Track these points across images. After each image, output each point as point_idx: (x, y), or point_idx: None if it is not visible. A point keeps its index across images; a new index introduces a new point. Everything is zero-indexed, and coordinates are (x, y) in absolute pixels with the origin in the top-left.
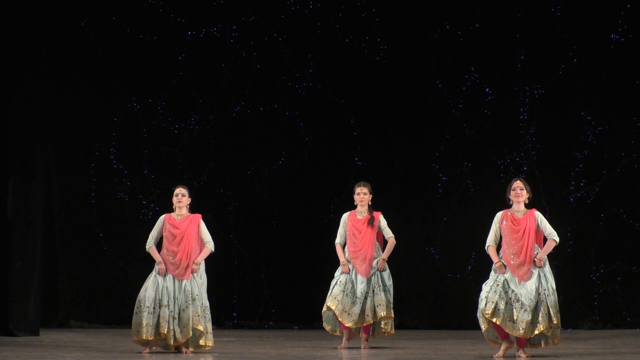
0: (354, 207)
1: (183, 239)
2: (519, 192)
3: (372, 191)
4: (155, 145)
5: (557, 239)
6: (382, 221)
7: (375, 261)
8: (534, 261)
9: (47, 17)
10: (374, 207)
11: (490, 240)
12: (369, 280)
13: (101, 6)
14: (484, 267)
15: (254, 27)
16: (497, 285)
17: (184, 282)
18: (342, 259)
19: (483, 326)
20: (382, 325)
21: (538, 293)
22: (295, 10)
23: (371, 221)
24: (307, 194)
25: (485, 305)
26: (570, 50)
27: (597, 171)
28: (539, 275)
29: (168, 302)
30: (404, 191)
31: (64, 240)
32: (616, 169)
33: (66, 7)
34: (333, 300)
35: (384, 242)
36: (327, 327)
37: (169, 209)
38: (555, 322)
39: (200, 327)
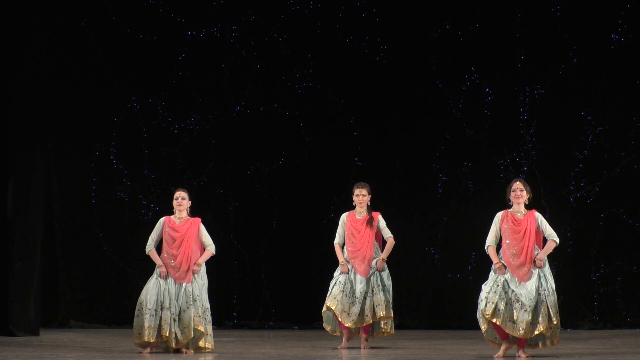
0: (353, 207)
1: (183, 242)
2: (519, 193)
3: (371, 192)
4: (155, 145)
5: (558, 240)
6: (381, 221)
7: (374, 261)
8: (534, 261)
9: (47, 17)
10: (373, 207)
11: (490, 240)
12: (367, 280)
13: (101, 6)
14: (484, 267)
15: (254, 27)
16: (497, 285)
17: (185, 283)
18: (341, 259)
19: (483, 327)
20: (382, 325)
21: (538, 293)
22: (295, 10)
23: (370, 221)
24: (307, 194)
25: (485, 305)
26: (570, 50)
27: (597, 171)
28: (539, 276)
29: (170, 304)
30: (404, 191)
31: (64, 240)
32: (616, 169)
33: (66, 7)
34: (333, 301)
35: (382, 243)
36: (327, 328)
37: (169, 209)
38: (555, 322)
39: (201, 328)
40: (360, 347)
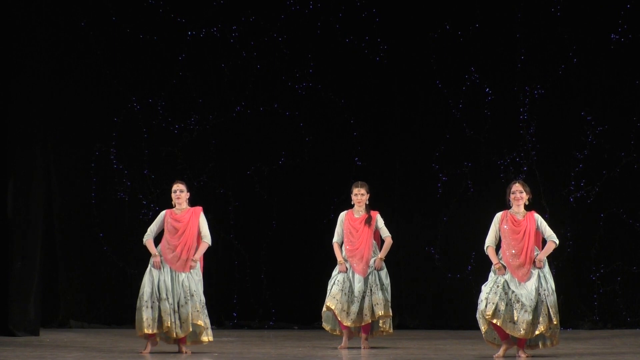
0: (352, 206)
1: (185, 231)
2: (519, 195)
3: (370, 191)
4: (156, 146)
5: (557, 241)
6: (380, 220)
7: (372, 260)
8: (534, 262)
9: (47, 17)
10: (372, 207)
11: (490, 240)
12: (366, 280)
13: (101, 6)
14: (483, 268)
15: (254, 27)
16: (497, 286)
17: (181, 276)
18: (339, 257)
19: (483, 327)
20: (381, 324)
21: (538, 293)
22: (295, 10)
23: (368, 220)
24: (307, 194)
25: (486, 306)
26: (570, 50)
27: (597, 171)
28: (539, 276)
29: (167, 295)
30: (404, 191)
31: (64, 240)
32: (616, 169)
33: (66, 7)
34: (332, 300)
35: (381, 242)
36: (327, 327)
37: (169, 207)
38: (555, 322)
39: (200, 322)
40: (360, 347)
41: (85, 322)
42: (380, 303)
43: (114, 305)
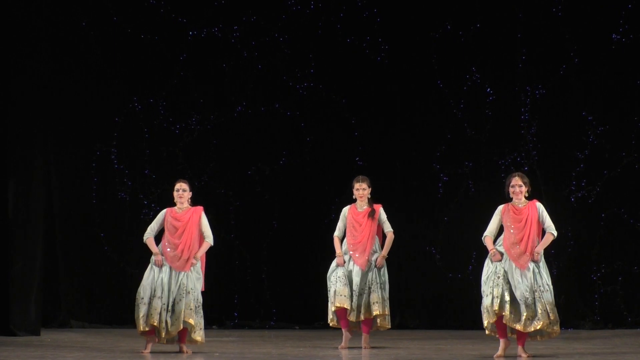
0: (354, 201)
1: (185, 231)
2: (518, 189)
3: (371, 185)
4: (156, 145)
5: (555, 233)
6: (382, 214)
7: (374, 256)
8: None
9: (47, 17)
10: (374, 201)
11: (489, 231)
12: (365, 275)
13: (101, 6)
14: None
15: (255, 27)
16: (498, 277)
17: (180, 274)
18: (338, 250)
19: (486, 321)
20: (379, 322)
21: (533, 291)
22: (296, 10)
23: (372, 213)
24: (308, 194)
25: (492, 301)
26: (571, 50)
27: (598, 171)
28: (533, 272)
29: (162, 294)
30: (405, 191)
31: (64, 240)
32: (617, 168)
33: (66, 7)
34: (341, 299)
35: (383, 237)
36: (332, 322)
37: (170, 206)
38: (552, 317)
39: (191, 321)
40: (360, 347)
41: (86, 322)
42: (378, 302)
43: (115, 305)
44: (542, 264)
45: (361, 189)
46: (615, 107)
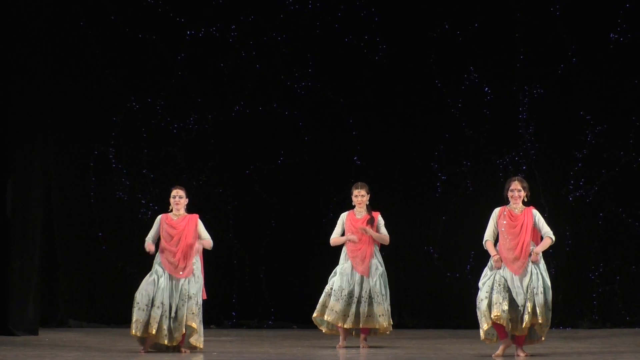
0: (353, 207)
1: (181, 238)
2: (517, 194)
3: (370, 191)
4: (155, 145)
5: (553, 237)
6: (381, 221)
7: (375, 264)
8: (530, 255)
9: (47, 17)
10: (372, 206)
11: (488, 235)
12: (365, 284)
13: (101, 6)
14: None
15: (253, 26)
16: (499, 285)
17: (181, 281)
18: (342, 239)
19: (484, 325)
20: (381, 330)
21: (529, 291)
22: (294, 10)
23: (371, 221)
24: (306, 194)
25: (490, 307)
26: (569, 49)
27: (596, 170)
28: (532, 273)
29: (162, 302)
30: (404, 190)
31: (63, 240)
32: (615, 168)
33: (66, 7)
34: (330, 313)
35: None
36: (324, 329)
37: (168, 208)
38: (541, 320)
39: (194, 325)
40: (358, 347)
41: (85, 322)
42: (384, 314)
43: (113, 304)
44: (542, 267)
45: (360, 196)
46: (613, 107)
